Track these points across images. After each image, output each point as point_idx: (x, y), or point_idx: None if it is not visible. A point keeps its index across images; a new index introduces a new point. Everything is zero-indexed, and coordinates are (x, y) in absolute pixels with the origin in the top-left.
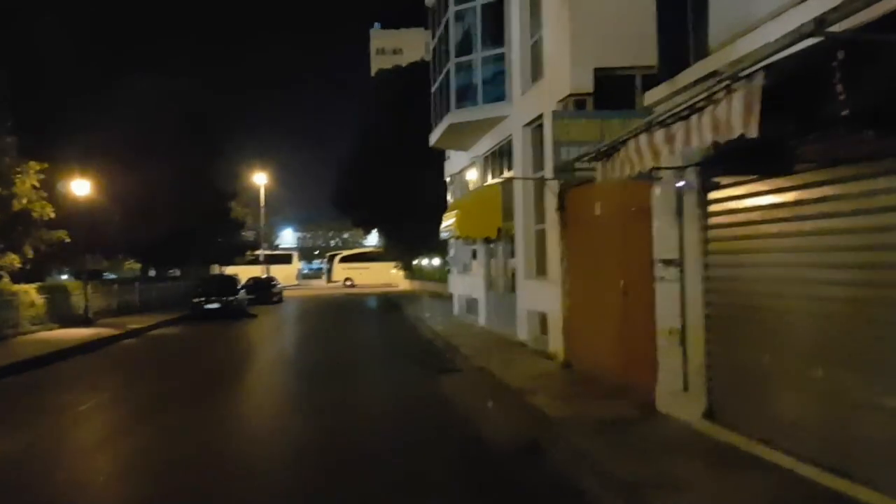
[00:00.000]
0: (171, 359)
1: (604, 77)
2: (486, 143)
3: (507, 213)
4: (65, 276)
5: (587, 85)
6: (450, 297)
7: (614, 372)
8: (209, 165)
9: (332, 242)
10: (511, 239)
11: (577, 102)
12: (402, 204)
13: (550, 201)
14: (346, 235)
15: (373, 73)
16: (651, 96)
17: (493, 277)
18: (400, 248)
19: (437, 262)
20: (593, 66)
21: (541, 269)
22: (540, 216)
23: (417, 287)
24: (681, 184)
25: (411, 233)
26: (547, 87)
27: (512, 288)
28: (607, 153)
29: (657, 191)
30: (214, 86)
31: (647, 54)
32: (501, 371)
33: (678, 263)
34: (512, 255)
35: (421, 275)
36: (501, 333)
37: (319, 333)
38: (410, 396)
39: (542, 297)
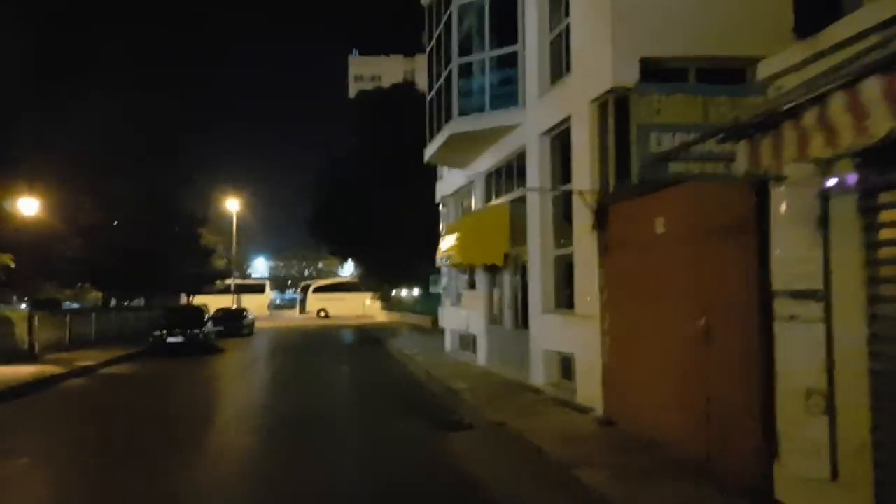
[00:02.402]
0: (117, 408)
1: (649, 71)
2: (489, 158)
3: (517, 237)
4: (23, 306)
5: (632, 77)
6: (433, 330)
7: (684, 437)
8: (178, 190)
9: (306, 272)
10: (521, 267)
11: (617, 101)
12: (381, 231)
13: (582, 220)
14: (320, 265)
15: (351, 97)
16: (772, 65)
17: (496, 311)
18: (377, 279)
19: (416, 292)
20: (639, 56)
21: (562, 302)
22: (563, 238)
23: (396, 319)
24: (831, 183)
25: (390, 262)
26: (576, 85)
27: (521, 323)
28: (767, 124)
29: (780, 195)
30: (186, 110)
31: (704, 43)
32: (526, 428)
33: (821, 296)
34: (523, 285)
35: (400, 306)
36: (507, 376)
37: (295, 374)
38: (415, 469)
39: (567, 335)
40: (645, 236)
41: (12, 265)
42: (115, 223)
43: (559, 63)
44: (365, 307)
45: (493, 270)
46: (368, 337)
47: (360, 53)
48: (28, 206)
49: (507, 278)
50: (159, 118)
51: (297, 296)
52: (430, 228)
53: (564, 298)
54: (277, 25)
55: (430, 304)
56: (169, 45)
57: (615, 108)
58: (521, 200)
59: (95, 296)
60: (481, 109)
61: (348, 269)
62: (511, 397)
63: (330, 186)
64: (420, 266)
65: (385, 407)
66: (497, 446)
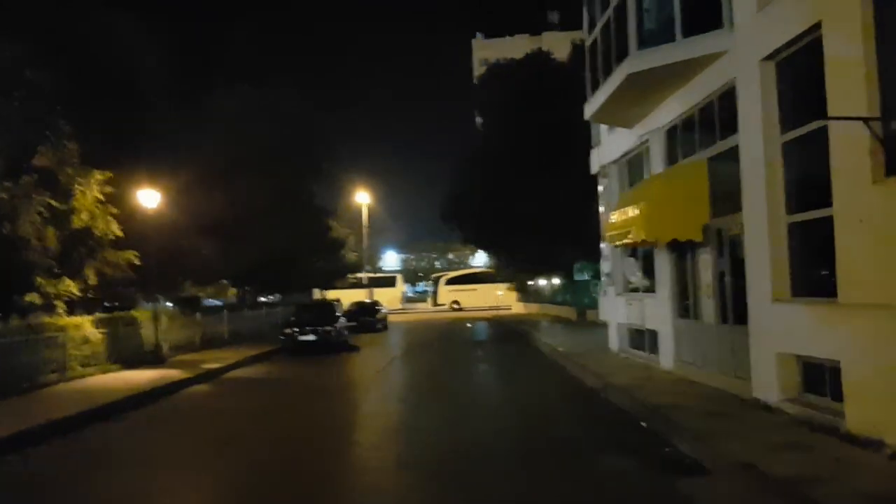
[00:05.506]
0: (235, 428)
1: None
2: (672, 108)
3: (720, 204)
4: (168, 304)
5: None
6: (579, 323)
7: None
8: (308, 183)
9: (437, 264)
10: (729, 241)
11: None
12: (518, 216)
13: (853, 164)
14: (450, 256)
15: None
16: None
17: (689, 299)
18: (512, 268)
19: (556, 281)
20: None
21: (804, 286)
22: (799, 200)
23: (534, 310)
24: None
25: (528, 249)
26: None
27: (731, 316)
28: None
29: None
30: (315, 101)
31: None
32: (793, 474)
33: None
34: (732, 265)
35: (538, 296)
36: (711, 384)
37: (438, 379)
38: None
39: (822, 332)
40: None
41: (137, 262)
42: (248, 219)
43: None
44: (498, 298)
45: (680, 249)
46: (509, 330)
47: (486, 37)
48: (149, 198)
49: (704, 258)
50: (289, 111)
51: (429, 288)
52: (574, 210)
53: (809, 281)
54: (395, 13)
55: (573, 293)
56: (292, 38)
57: None
58: (721, 157)
59: (234, 292)
60: (670, 38)
61: (479, 260)
62: (735, 418)
63: (462, 172)
64: (561, 252)
65: (564, 431)
66: None
